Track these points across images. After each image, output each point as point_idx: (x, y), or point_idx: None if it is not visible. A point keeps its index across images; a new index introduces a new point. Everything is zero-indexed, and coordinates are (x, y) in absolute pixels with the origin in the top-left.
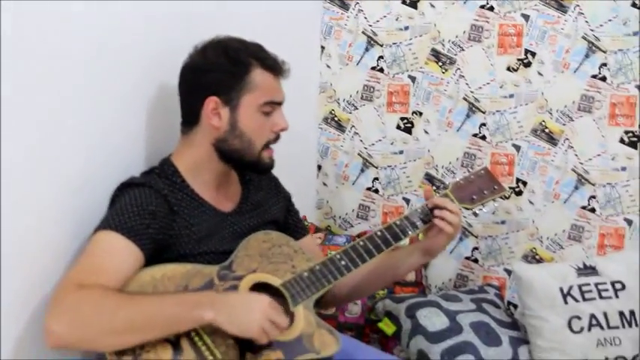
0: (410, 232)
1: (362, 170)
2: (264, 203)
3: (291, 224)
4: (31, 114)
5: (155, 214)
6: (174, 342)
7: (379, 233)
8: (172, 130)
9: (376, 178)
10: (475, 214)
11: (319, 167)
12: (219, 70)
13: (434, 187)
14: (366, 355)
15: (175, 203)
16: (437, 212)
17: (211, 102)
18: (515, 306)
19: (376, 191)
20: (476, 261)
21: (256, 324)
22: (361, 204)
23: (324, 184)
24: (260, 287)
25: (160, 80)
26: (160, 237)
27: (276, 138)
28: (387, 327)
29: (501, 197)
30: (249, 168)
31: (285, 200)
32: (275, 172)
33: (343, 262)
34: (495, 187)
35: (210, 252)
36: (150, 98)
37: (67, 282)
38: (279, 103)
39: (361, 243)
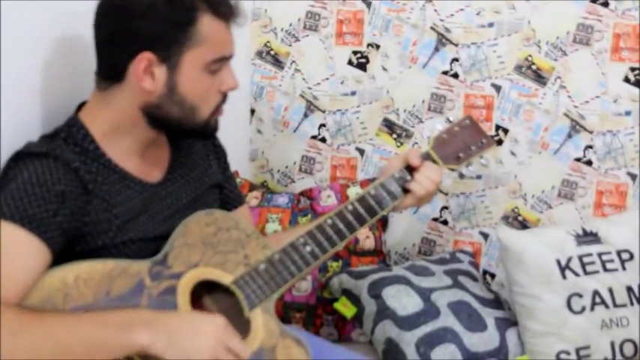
0: (388, 205)
1: (305, 115)
2: (201, 163)
3: (225, 190)
4: None
5: (64, 196)
6: None
7: (350, 207)
8: (81, 79)
9: (323, 125)
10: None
11: (252, 111)
12: (157, 18)
13: (395, 136)
14: (336, 356)
15: (90, 179)
16: (416, 175)
17: (144, 59)
18: (493, 275)
19: (323, 140)
20: (445, 223)
21: (207, 352)
22: (305, 155)
23: (259, 132)
24: (205, 286)
25: (63, 14)
26: (72, 225)
27: (224, 98)
28: (346, 309)
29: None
30: (191, 135)
31: (223, 156)
32: None
33: (309, 248)
34: (483, 140)
35: (138, 239)
36: (50, 38)
37: None
38: (230, 58)
39: (329, 221)
